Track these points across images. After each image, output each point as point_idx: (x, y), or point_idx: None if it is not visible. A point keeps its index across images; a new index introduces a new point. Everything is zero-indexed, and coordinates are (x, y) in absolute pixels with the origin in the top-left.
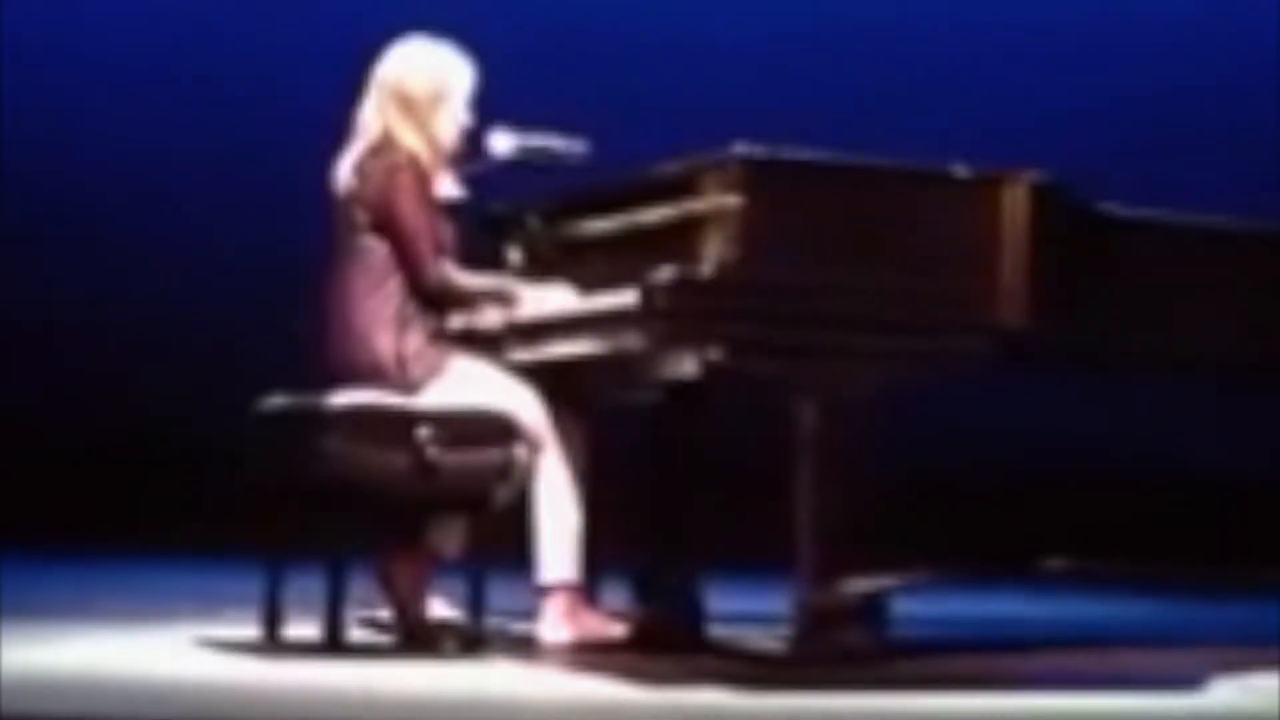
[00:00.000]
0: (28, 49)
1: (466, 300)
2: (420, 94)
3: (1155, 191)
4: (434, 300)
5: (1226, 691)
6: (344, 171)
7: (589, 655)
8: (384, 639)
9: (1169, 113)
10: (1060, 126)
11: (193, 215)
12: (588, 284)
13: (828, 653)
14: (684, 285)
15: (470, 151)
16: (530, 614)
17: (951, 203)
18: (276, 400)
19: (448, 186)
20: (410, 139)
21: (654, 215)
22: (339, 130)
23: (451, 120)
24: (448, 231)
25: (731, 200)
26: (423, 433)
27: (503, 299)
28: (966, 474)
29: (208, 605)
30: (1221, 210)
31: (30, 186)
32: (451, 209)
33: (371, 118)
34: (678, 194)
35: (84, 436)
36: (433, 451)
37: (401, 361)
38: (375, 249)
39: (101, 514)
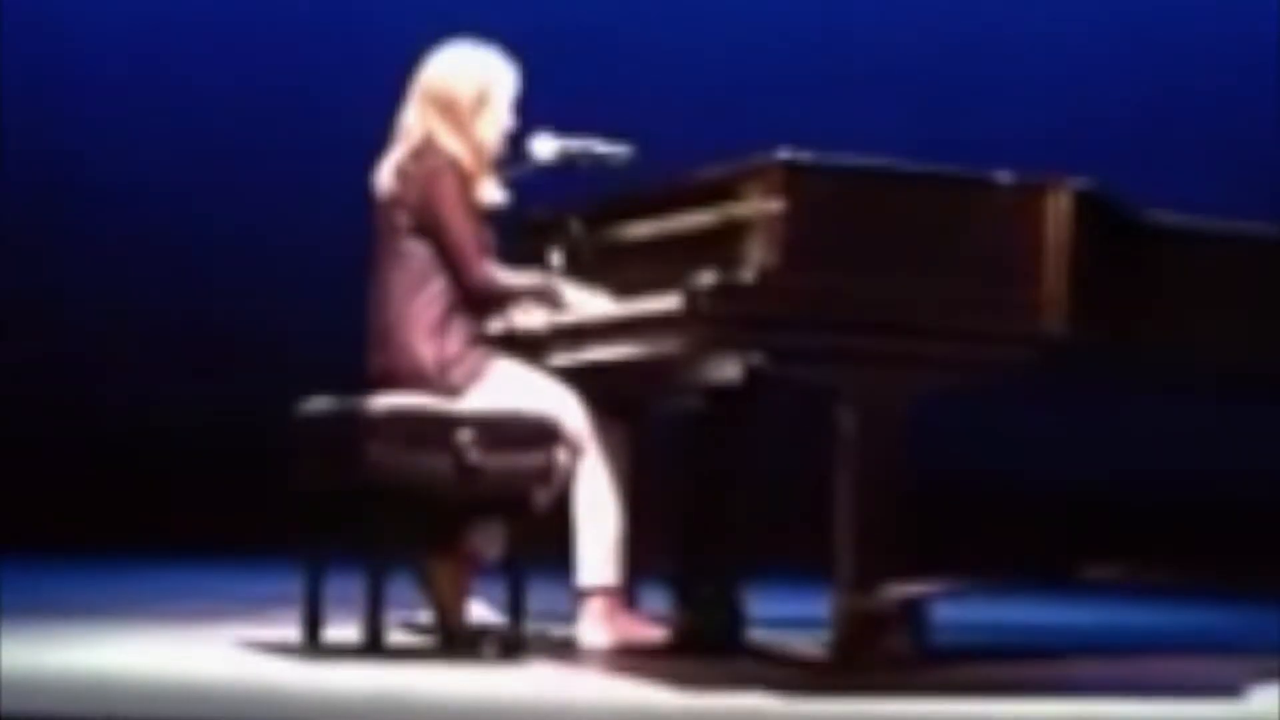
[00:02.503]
0: (68, 49)
1: (511, 299)
2: (463, 98)
3: (1163, 196)
4: (480, 301)
5: (1266, 699)
6: (385, 175)
7: (628, 659)
8: (424, 642)
9: (1174, 115)
10: (1082, 130)
11: (236, 216)
12: (630, 288)
13: (867, 658)
14: (726, 290)
15: (513, 155)
16: (570, 617)
17: (994, 210)
18: (319, 403)
19: (490, 191)
20: (452, 143)
21: (696, 220)
22: (381, 134)
23: (494, 124)
24: (487, 235)
25: (774, 205)
26: (464, 436)
27: (546, 297)
28: (1001, 480)
29: (249, 607)
30: (1220, 214)
31: (61, 185)
32: (491, 214)
33: (413, 122)
34: (720, 198)
35: (128, 438)
36: (474, 455)
37: (443, 365)
38: (416, 253)
39: (144, 516)
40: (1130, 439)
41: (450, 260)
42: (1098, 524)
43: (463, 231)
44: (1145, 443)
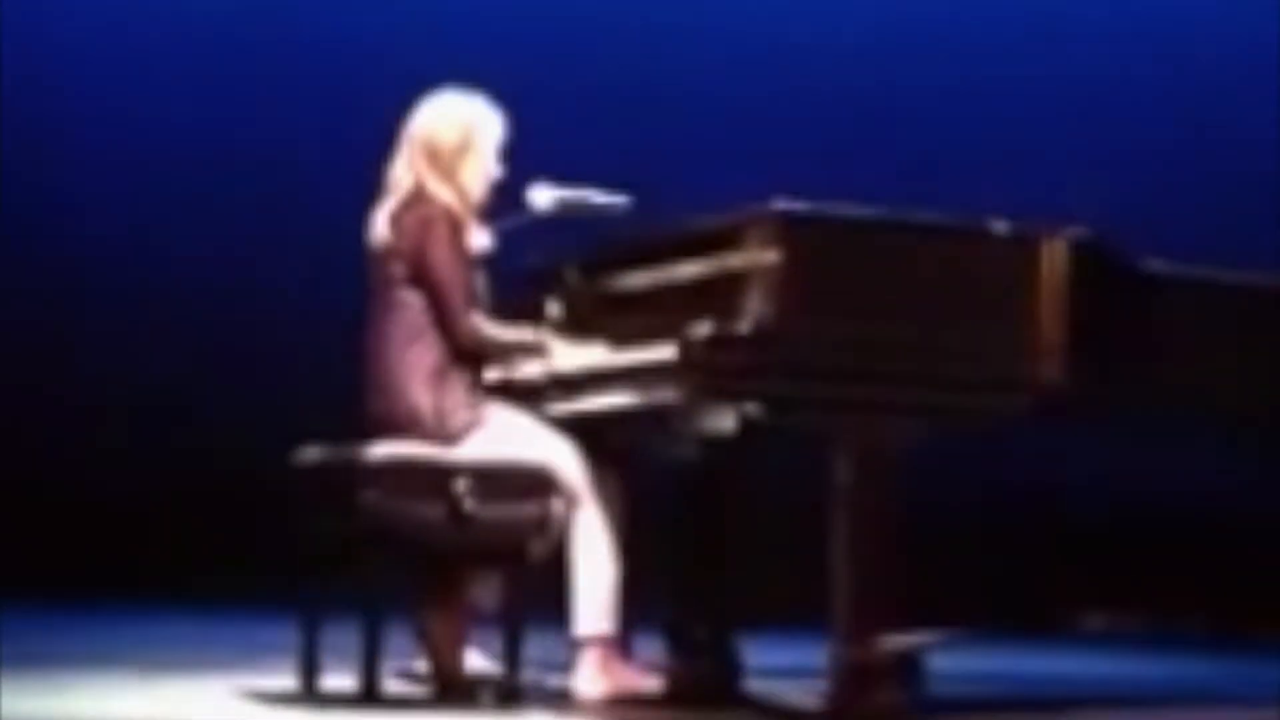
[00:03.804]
0: (67, 99)
1: (498, 353)
2: (447, 145)
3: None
4: (467, 352)
5: None
6: (379, 225)
7: (624, 708)
8: (420, 691)
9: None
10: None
11: (233, 263)
12: (626, 338)
13: (863, 709)
14: (722, 340)
15: (508, 205)
16: (566, 667)
17: (990, 259)
18: (315, 452)
19: (479, 238)
20: (442, 191)
21: (693, 270)
22: (375, 183)
23: (479, 171)
24: (480, 283)
25: (770, 256)
26: (460, 485)
27: (533, 352)
28: (996, 527)
29: (245, 655)
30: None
31: (67, 229)
32: (483, 261)
33: (404, 171)
34: (717, 249)
35: (124, 487)
36: (470, 504)
37: (440, 414)
38: (412, 302)
39: (141, 564)
40: (1127, 473)
41: (438, 311)
42: (1095, 559)
43: (453, 283)
44: (1141, 477)
